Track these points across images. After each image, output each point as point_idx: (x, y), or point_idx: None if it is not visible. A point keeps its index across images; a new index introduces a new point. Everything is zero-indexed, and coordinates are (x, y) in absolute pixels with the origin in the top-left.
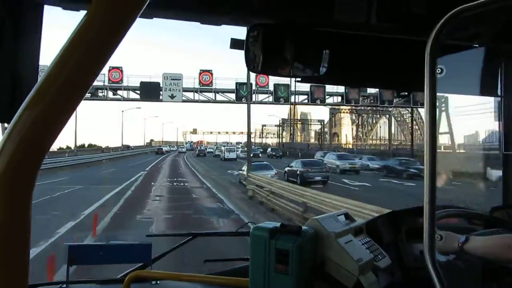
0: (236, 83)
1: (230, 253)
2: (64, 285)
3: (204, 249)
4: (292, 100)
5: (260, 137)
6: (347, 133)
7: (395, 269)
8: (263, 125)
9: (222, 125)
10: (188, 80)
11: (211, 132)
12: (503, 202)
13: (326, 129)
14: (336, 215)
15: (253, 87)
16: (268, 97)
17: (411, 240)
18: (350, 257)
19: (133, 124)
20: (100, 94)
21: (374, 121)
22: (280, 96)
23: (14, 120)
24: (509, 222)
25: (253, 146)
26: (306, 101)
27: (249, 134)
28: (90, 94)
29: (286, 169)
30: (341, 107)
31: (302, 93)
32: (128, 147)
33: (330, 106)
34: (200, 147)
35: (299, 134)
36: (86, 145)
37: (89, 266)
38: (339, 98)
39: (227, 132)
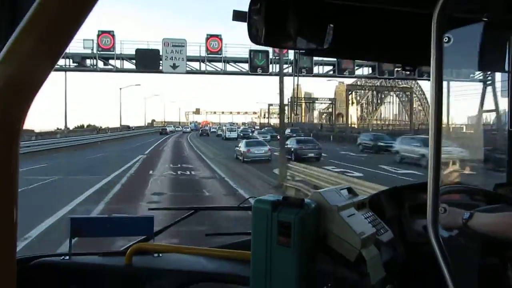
0: (250, 51)
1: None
2: (67, 257)
3: (206, 223)
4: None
5: (265, 117)
6: (352, 113)
7: (397, 244)
8: (269, 104)
9: (226, 104)
10: (193, 47)
11: (214, 112)
12: (507, 179)
13: (329, 109)
14: (339, 189)
15: (270, 56)
16: (288, 67)
17: (414, 216)
18: (352, 231)
19: (133, 103)
20: (88, 64)
21: (378, 101)
22: (303, 67)
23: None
24: None
25: (258, 127)
26: (331, 72)
27: (281, 119)
28: (76, 64)
29: (292, 148)
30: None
31: (328, 63)
32: (128, 127)
33: (341, 81)
34: (204, 127)
35: (303, 114)
36: (85, 126)
37: (91, 239)
38: (370, 70)
39: (231, 112)
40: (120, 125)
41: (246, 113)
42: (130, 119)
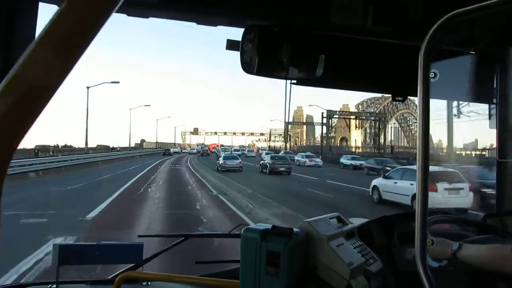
0: None
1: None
2: (54, 285)
3: (196, 250)
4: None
5: (265, 141)
6: (356, 138)
7: (387, 273)
8: (270, 129)
9: (227, 124)
10: None
11: (215, 133)
12: (497, 209)
13: (329, 134)
14: (328, 218)
15: None
16: None
17: (404, 245)
18: (341, 261)
19: (117, 119)
20: None
21: (381, 126)
22: None
23: None
24: (502, 229)
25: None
26: None
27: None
28: None
29: (260, 162)
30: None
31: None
32: (112, 148)
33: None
34: (205, 149)
35: (305, 138)
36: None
37: (79, 267)
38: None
39: (234, 133)
40: (86, 145)
41: (252, 134)
42: (113, 138)
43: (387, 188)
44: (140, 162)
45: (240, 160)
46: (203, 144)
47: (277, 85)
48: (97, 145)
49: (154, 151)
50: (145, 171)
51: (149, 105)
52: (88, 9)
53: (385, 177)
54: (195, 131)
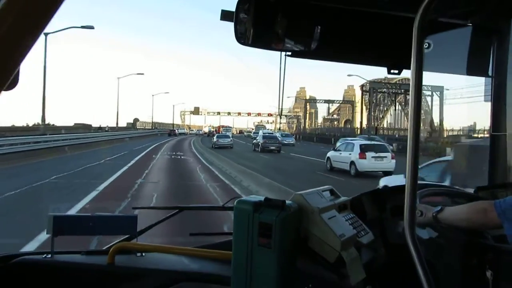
0: None
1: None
2: (49, 255)
3: (190, 222)
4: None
5: (272, 122)
6: (360, 120)
7: (378, 245)
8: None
9: (230, 104)
10: None
11: (218, 113)
12: (489, 181)
13: (334, 115)
14: (321, 190)
15: None
16: None
17: (396, 218)
18: (333, 232)
19: (106, 94)
20: None
21: (385, 108)
22: None
23: None
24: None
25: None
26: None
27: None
28: None
29: (254, 142)
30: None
31: None
32: (99, 128)
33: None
34: (211, 131)
35: (307, 120)
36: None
37: (73, 238)
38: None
39: (239, 114)
40: (43, 121)
41: (259, 114)
42: (101, 116)
43: (335, 158)
44: (124, 149)
45: (231, 138)
46: (210, 126)
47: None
48: (75, 124)
49: (150, 132)
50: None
51: (142, 74)
52: None
53: (335, 150)
54: (196, 111)
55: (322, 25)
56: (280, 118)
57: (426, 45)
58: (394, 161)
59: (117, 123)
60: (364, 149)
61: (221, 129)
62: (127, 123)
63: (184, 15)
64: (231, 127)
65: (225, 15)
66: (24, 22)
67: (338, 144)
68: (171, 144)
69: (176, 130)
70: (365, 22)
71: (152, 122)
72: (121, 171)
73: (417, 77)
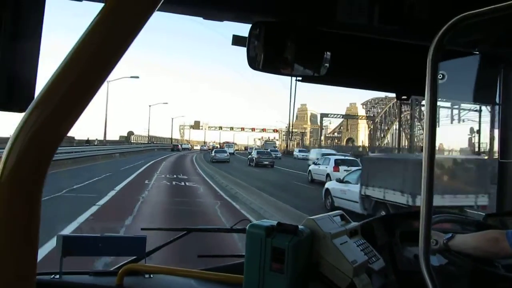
0: None
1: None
2: (57, 276)
3: (198, 244)
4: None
5: (277, 139)
6: (363, 138)
7: (389, 272)
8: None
9: (232, 119)
10: None
11: (220, 128)
12: (497, 209)
13: (335, 134)
14: (332, 215)
15: None
16: None
17: (405, 243)
18: (345, 258)
19: (97, 103)
20: None
21: (387, 127)
22: None
23: (25, 118)
24: (502, 229)
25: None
26: None
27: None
28: None
29: (249, 157)
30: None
31: None
32: (87, 142)
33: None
34: (215, 146)
35: (308, 138)
36: None
37: (81, 258)
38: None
39: (243, 129)
40: None
41: (264, 130)
42: (90, 128)
43: (315, 171)
44: (108, 169)
45: (227, 153)
46: (214, 142)
47: (283, 83)
48: None
49: (145, 147)
50: None
51: (137, 77)
52: (131, 8)
53: (314, 164)
54: (196, 125)
55: (331, 51)
56: (290, 140)
57: (440, 76)
58: None
59: (104, 136)
60: (338, 163)
61: (224, 145)
62: (120, 137)
63: (183, 28)
64: (233, 144)
65: (237, 40)
66: (110, 42)
67: (317, 158)
68: (170, 161)
69: (179, 146)
70: (374, 49)
71: (149, 135)
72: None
73: (432, 104)
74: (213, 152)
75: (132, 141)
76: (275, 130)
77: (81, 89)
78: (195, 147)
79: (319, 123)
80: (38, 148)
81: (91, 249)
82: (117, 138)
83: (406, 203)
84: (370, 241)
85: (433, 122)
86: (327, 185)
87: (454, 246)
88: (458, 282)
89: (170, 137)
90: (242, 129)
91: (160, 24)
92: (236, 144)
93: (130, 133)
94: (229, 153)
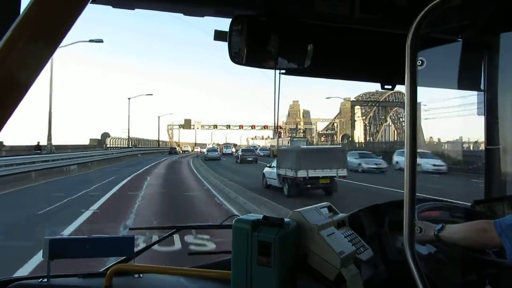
0: None
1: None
2: (45, 280)
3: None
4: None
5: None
6: (359, 134)
7: (378, 262)
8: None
9: (224, 117)
10: None
11: (214, 126)
12: (485, 195)
13: (328, 131)
14: (319, 207)
15: None
16: None
17: (395, 233)
18: (332, 250)
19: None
20: None
21: (380, 123)
22: None
23: None
24: (490, 215)
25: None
26: None
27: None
28: None
29: (235, 155)
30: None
31: None
32: (37, 148)
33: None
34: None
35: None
36: None
37: (69, 261)
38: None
39: (241, 127)
40: None
41: (266, 127)
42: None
43: (268, 174)
44: None
45: (218, 152)
46: (214, 143)
47: (269, 77)
48: None
49: (124, 153)
50: None
51: (101, 41)
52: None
53: (269, 167)
54: (187, 124)
55: (314, 43)
56: (277, 133)
57: (419, 62)
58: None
59: (49, 135)
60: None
61: (222, 147)
62: (91, 140)
63: (162, 25)
64: (231, 144)
65: (219, 35)
66: (40, 37)
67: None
68: (158, 176)
69: (176, 149)
70: (357, 39)
71: (129, 137)
72: None
73: (412, 93)
74: (205, 151)
75: (108, 145)
76: (265, 127)
77: (6, 90)
78: (195, 149)
79: (310, 118)
80: None
81: (79, 251)
82: (87, 142)
83: (293, 175)
84: (359, 232)
85: (413, 111)
86: (264, 170)
87: (444, 237)
88: (448, 270)
89: (157, 138)
90: (241, 126)
91: (138, 21)
92: (237, 145)
93: (105, 135)
94: (227, 153)
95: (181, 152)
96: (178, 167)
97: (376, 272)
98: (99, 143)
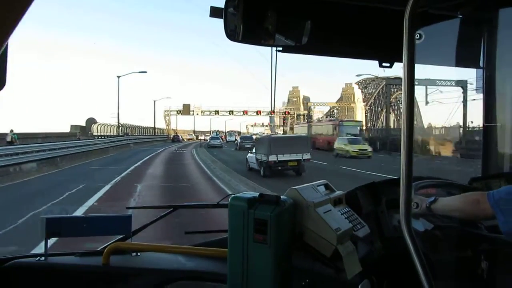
0: None
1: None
2: (43, 258)
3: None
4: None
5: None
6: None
7: (374, 239)
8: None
9: (231, 101)
10: None
11: (216, 112)
12: (482, 172)
13: (328, 117)
14: (316, 185)
15: None
16: None
17: (392, 211)
18: (329, 227)
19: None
20: None
21: (380, 109)
22: None
23: None
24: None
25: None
26: None
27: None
28: None
29: (235, 142)
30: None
31: None
32: None
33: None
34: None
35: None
36: None
37: (67, 240)
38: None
39: (245, 113)
40: None
41: (272, 113)
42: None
43: (250, 159)
44: None
45: (220, 140)
46: (216, 131)
47: (266, 57)
48: None
49: (114, 142)
50: None
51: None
52: None
53: (251, 153)
54: (186, 110)
55: (312, 19)
56: (273, 115)
57: (417, 36)
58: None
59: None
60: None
61: (226, 135)
62: (72, 127)
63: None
64: (235, 132)
65: (214, 12)
66: None
67: None
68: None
69: (180, 136)
70: (355, 15)
71: (118, 124)
72: None
73: (409, 69)
74: (208, 139)
75: (94, 134)
76: (271, 112)
77: None
78: (199, 137)
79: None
80: None
81: (76, 230)
82: (67, 130)
83: (266, 159)
84: (356, 209)
85: (411, 89)
86: (247, 156)
87: (436, 209)
88: (443, 246)
89: (153, 126)
90: (245, 112)
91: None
92: (240, 132)
93: (91, 121)
94: (231, 140)
95: (185, 140)
96: (182, 165)
97: (372, 249)
98: (83, 130)
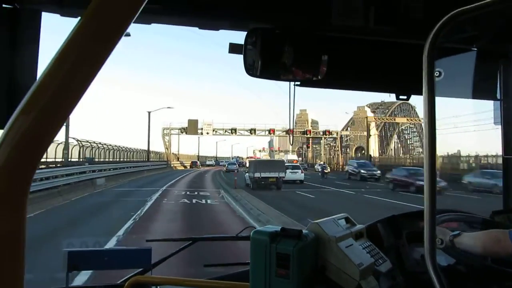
0: None
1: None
2: None
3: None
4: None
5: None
6: (374, 147)
7: (396, 273)
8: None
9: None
10: None
11: (233, 131)
12: (504, 206)
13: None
14: (337, 219)
15: None
16: None
17: (412, 244)
18: (351, 262)
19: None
20: None
21: (390, 135)
22: None
23: (8, 126)
24: (510, 226)
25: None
26: None
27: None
28: None
29: (247, 165)
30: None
31: None
32: None
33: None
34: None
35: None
36: None
37: (88, 273)
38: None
39: (271, 131)
40: None
41: (291, 131)
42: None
43: (246, 177)
44: None
45: (237, 165)
46: (237, 157)
47: (282, 88)
48: None
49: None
50: None
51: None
52: (110, 18)
53: (246, 172)
54: (192, 127)
55: (329, 54)
56: (292, 145)
57: (437, 73)
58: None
59: None
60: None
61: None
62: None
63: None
64: (240, 158)
65: (234, 48)
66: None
67: None
68: None
69: (198, 163)
70: (371, 50)
71: (80, 144)
72: None
73: (430, 102)
74: (226, 164)
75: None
76: (290, 131)
77: (60, 102)
78: (220, 164)
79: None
80: (19, 166)
81: (97, 263)
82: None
83: (253, 176)
84: (377, 243)
85: (432, 122)
86: (245, 175)
87: (459, 243)
88: (467, 282)
89: (147, 148)
90: (272, 131)
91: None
92: (243, 158)
93: (78, 142)
94: (231, 170)
95: (200, 167)
96: None
97: (395, 284)
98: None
